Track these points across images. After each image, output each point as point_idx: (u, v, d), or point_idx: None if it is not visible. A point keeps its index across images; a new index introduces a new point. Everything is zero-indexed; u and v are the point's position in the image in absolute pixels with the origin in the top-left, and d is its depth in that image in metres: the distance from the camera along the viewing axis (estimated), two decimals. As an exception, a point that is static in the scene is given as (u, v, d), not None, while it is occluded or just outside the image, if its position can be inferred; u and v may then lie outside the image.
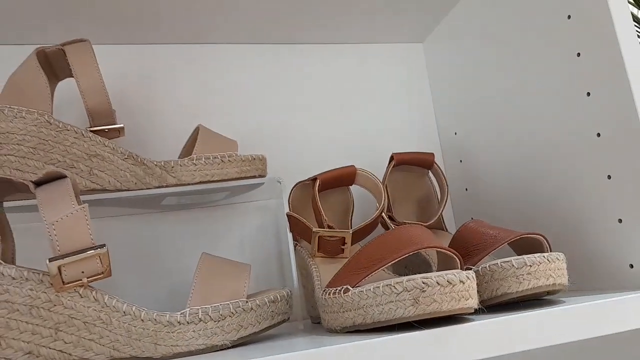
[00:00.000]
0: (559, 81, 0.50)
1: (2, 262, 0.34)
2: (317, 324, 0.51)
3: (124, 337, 0.36)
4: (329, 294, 0.38)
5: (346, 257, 0.48)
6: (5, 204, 0.42)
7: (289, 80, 0.69)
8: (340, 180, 0.53)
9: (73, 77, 0.54)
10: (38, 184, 0.37)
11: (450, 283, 0.34)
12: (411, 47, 0.75)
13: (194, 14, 0.60)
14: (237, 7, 0.60)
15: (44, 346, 0.34)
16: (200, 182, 0.52)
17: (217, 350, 0.37)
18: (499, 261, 0.39)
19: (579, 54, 0.48)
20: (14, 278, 0.34)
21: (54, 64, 0.53)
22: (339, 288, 0.38)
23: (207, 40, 0.66)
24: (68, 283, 0.34)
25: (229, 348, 0.38)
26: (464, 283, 0.34)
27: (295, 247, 0.53)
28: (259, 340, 0.41)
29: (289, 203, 0.54)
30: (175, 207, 0.59)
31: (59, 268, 0.33)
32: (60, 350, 0.35)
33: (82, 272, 0.34)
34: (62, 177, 0.38)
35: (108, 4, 0.57)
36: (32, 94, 0.49)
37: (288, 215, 0.51)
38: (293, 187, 0.55)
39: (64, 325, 0.35)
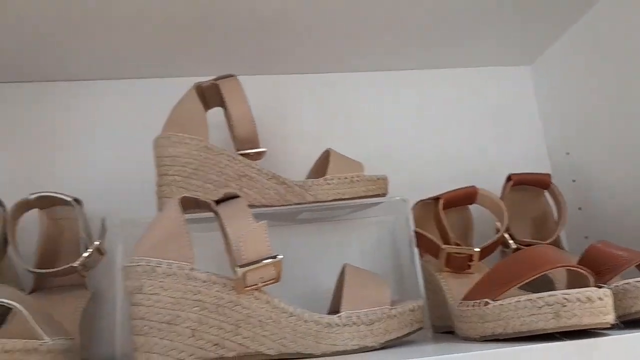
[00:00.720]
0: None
1: (195, 267, 0.41)
2: (442, 333, 0.55)
3: (291, 335, 0.42)
4: (468, 306, 0.42)
5: (472, 273, 0.52)
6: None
7: (403, 105, 0.74)
8: (462, 199, 0.57)
9: (220, 106, 0.63)
10: (218, 202, 0.44)
11: (590, 299, 0.37)
12: (518, 70, 0.78)
13: (319, 46, 0.67)
14: (355, 38, 0.66)
15: (227, 339, 0.41)
16: (334, 200, 0.58)
17: (368, 351, 0.43)
18: (631, 281, 0.42)
19: None
20: (204, 281, 0.41)
21: (206, 96, 0.61)
22: (478, 301, 0.41)
23: (328, 70, 0.73)
24: (248, 287, 0.41)
25: (377, 350, 0.43)
26: (602, 300, 0.37)
27: (418, 261, 0.58)
28: (402, 344, 0.45)
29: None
30: (306, 221, 0.65)
31: (244, 274, 0.40)
32: (240, 344, 0.41)
33: (261, 277, 0.40)
34: (237, 196, 0.44)
35: (245, 42, 0.65)
36: (192, 123, 0.57)
37: (416, 232, 0.55)
38: (414, 205, 0.60)
39: (243, 323, 0.41)
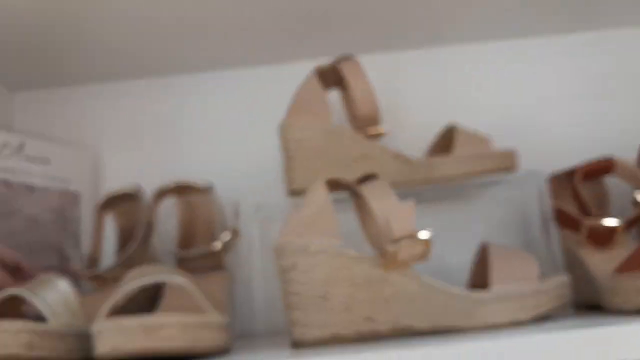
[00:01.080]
0: None
1: (343, 246, 0.42)
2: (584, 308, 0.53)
3: (441, 310, 0.42)
4: (623, 279, 0.41)
5: (615, 246, 0.50)
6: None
7: (526, 74, 0.71)
8: (599, 171, 0.55)
9: (337, 88, 0.64)
10: (358, 182, 0.46)
11: None
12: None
13: (434, 19, 0.66)
14: (478, 5, 0.64)
15: (379, 314, 0.42)
16: (462, 176, 0.57)
17: (519, 325, 0.42)
18: None
19: None
20: (354, 258, 0.42)
21: (325, 79, 0.62)
22: (635, 273, 0.40)
23: (445, 42, 0.71)
24: (397, 263, 0.42)
25: (528, 324, 0.43)
26: None
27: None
28: (550, 319, 0.45)
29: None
30: (430, 199, 0.65)
31: (395, 251, 0.41)
32: (391, 318, 0.42)
33: (411, 254, 0.41)
34: (376, 176, 0.45)
35: (357, 22, 0.65)
36: (315, 106, 0.58)
37: (554, 207, 0.54)
38: (546, 179, 0.58)
39: (392, 298, 0.42)
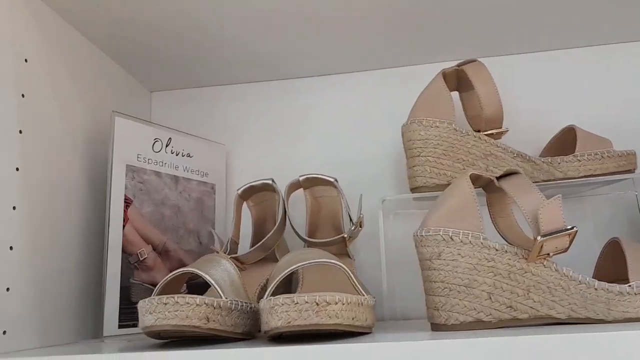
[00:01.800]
0: None
1: (487, 237, 0.46)
2: None
3: (580, 301, 0.45)
4: None
5: None
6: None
7: (632, 77, 0.71)
8: None
9: (456, 90, 0.67)
10: (498, 178, 0.48)
11: None
12: None
13: (542, 24, 0.67)
14: (578, 12, 0.65)
15: (519, 302, 0.45)
16: (584, 177, 0.59)
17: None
18: None
19: None
20: (497, 250, 0.45)
21: (449, 81, 0.65)
22: None
23: (551, 47, 0.73)
24: (539, 256, 0.44)
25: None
26: None
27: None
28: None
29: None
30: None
31: (542, 243, 0.43)
32: (531, 307, 0.45)
33: (556, 247, 0.44)
34: (518, 172, 0.48)
35: (467, 28, 0.67)
36: (440, 107, 0.61)
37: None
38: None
39: (533, 288, 0.45)
